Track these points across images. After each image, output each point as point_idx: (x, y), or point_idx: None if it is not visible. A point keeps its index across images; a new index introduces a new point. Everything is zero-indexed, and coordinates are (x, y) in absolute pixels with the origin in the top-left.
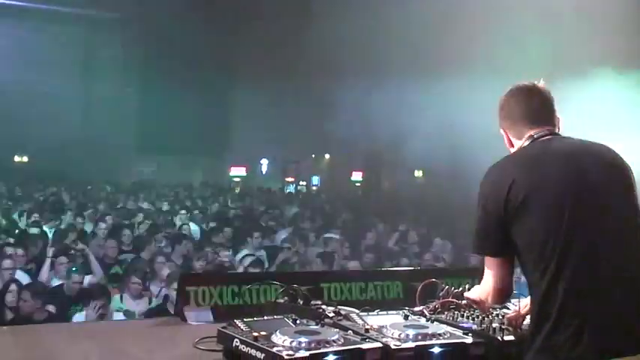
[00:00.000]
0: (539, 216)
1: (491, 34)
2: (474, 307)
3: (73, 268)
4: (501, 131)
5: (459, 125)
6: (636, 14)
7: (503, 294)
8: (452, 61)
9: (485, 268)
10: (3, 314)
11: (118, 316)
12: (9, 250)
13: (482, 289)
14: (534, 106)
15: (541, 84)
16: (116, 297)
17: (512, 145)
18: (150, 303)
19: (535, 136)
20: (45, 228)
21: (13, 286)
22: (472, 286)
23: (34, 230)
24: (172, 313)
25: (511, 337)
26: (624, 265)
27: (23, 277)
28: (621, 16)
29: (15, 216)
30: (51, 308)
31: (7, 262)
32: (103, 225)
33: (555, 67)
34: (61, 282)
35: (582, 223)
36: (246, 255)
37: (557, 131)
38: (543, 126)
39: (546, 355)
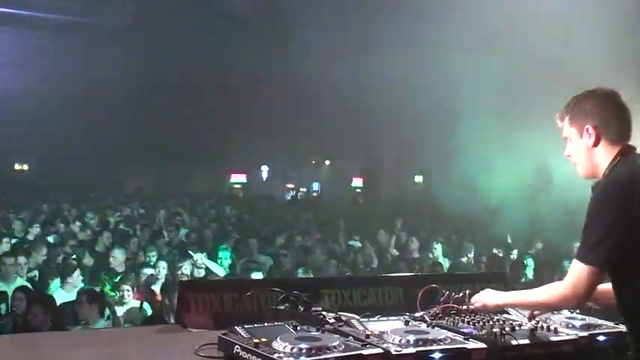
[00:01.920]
0: None
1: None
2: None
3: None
4: (586, 127)
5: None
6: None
7: (583, 302)
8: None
9: (577, 274)
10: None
11: None
12: (10, 259)
13: (557, 290)
14: (627, 115)
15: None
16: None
17: (595, 146)
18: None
19: (631, 148)
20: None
21: (19, 294)
22: (473, 292)
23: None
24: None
25: (513, 342)
26: None
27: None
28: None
29: (16, 224)
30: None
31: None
32: (106, 234)
33: None
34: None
35: None
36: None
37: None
38: (629, 138)
39: None
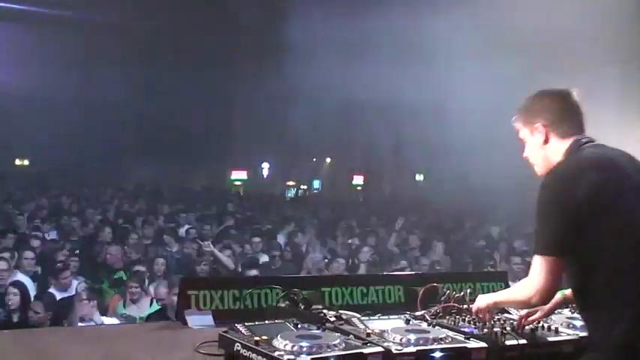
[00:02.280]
0: (616, 214)
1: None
2: (478, 316)
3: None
4: (535, 126)
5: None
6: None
7: (552, 294)
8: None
9: (538, 268)
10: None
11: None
12: (6, 254)
13: (526, 290)
14: (580, 110)
15: (575, 93)
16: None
17: (545, 143)
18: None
19: (582, 141)
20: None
21: (12, 289)
22: (474, 292)
23: (37, 233)
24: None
25: (513, 342)
26: None
27: (27, 281)
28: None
29: (18, 219)
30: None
31: (3, 265)
32: (107, 229)
33: None
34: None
35: None
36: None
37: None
38: (583, 132)
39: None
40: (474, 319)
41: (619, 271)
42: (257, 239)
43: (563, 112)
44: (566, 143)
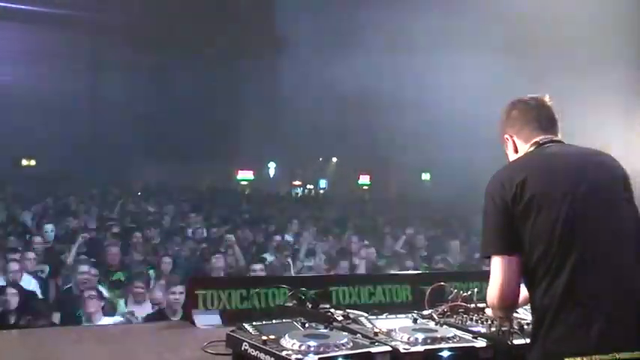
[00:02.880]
0: (545, 214)
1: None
2: (497, 320)
3: None
4: (505, 137)
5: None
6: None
7: (511, 295)
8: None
9: (492, 271)
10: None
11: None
12: (17, 255)
13: (489, 294)
14: (543, 114)
15: (546, 97)
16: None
17: (516, 152)
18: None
19: (540, 142)
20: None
21: (11, 290)
22: (481, 290)
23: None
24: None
25: (521, 341)
26: (625, 264)
27: (30, 282)
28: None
29: (25, 219)
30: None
31: (14, 266)
32: (114, 230)
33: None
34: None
35: (584, 220)
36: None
37: (557, 136)
38: (548, 133)
39: (547, 349)
40: (482, 318)
41: (535, 272)
42: (262, 239)
43: (524, 118)
44: (528, 147)
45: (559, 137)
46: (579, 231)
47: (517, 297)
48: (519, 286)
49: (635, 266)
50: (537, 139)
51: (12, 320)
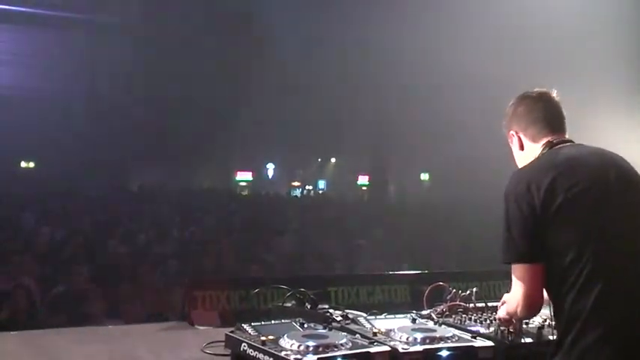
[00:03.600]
0: (576, 220)
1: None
2: (504, 325)
3: None
4: (511, 133)
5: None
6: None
7: (536, 305)
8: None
9: (515, 278)
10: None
11: None
12: (17, 257)
13: (511, 303)
14: (551, 112)
15: (554, 93)
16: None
17: (522, 149)
18: None
19: (554, 142)
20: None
21: (20, 291)
22: (480, 290)
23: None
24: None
25: (520, 341)
26: None
27: (32, 283)
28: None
29: (24, 221)
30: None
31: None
32: (110, 230)
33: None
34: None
35: (616, 227)
36: None
37: (568, 137)
38: (558, 133)
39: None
40: (481, 317)
41: (564, 280)
42: (262, 238)
43: (532, 116)
44: (538, 146)
45: (567, 136)
46: (612, 238)
47: (541, 306)
48: (543, 296)
49: None
50: (549, 138)
51: (12, 322)
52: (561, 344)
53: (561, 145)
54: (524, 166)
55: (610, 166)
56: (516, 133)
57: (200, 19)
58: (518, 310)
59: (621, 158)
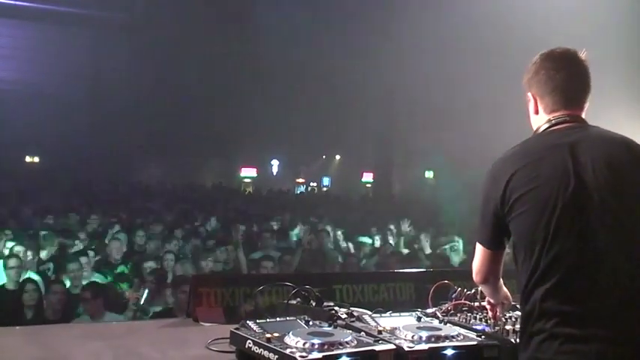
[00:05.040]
0: (531, 214)
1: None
2: (486, 311)
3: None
4: (528, 95)
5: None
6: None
7: (487, 282)
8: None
9: (476, 253)
10: (22, 314)
11: None
12: (20, 251)
13: (473, 269)
14: (571, 80)
15: (583, 54)
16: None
17: (537, 113)
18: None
19: (554, 121)
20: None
21: (29, 286)
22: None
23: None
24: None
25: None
26: (623, 272)
27: (37, 278)
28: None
29: (28, 216)
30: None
31: (13, 262)
32: (117, 227)
33: None
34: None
35: (572, 225)
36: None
37: (582, 114)
38: (572, 108)
39: (531, 355)
40: (486, 316)
41: (523, 275)
42: (267, 234)
43: (550, 84)
44: (545, 119)
45: (583, 113)
46: (565, 237)
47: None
48: (498, 278)
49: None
50: (554, 115)
51: (16, 317)
52: (522, 338)
53: (558, 127)
54: (505, 153)
55: (598, 158)
56: (533, 95)
57: (205, 16)
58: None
59: (631, 146)
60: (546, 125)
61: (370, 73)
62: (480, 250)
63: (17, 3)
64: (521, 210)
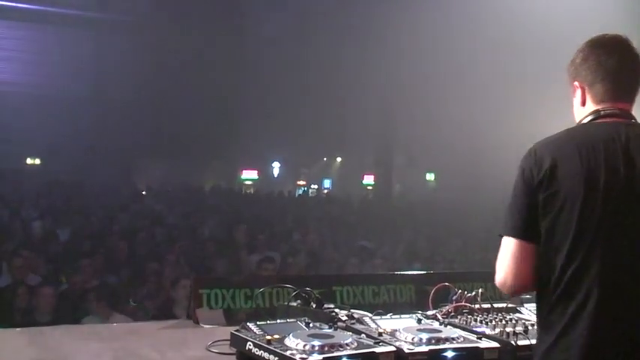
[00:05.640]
0: (570, 209)
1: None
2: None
3: None
4: (575, 84)
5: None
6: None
7: (518, 283)
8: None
9: (501, 248)
10: (11, 316)
11: None
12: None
13: (499, 273)
14: (624, 70)
15: (633, 43)
16: None
17: (583, 104)
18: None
19: (602, 112)
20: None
21: (22, 289)
22: (485, 291)
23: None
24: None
25: (526, 342)
26: None
27: (36, 281)
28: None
29: (30, 218)
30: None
31: (19, 261)
32: (115, 228)
33: None
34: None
35: (613, 226)
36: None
37: (631, 110)
38: (620, 100)
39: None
40: (486, 318)
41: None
42: (265, 236)
43: (601, 71)
44: (590, 110)
45: (632, 108)
46: (605, 236)
47: (525, 288)
48: (532, 278)
49: None
50: (603, 106)
51: (18, 318)
52: (544, 339)
53: (607, 120)
54: (547, 139)
55: (630, 159)
56: (581, 85)
57: (207, 18)
58: (503, 287)
59: None
60: (593, 116)
61: (371, 74)
62: (510, 244)
63: (21, 5)
64: (560, 206)
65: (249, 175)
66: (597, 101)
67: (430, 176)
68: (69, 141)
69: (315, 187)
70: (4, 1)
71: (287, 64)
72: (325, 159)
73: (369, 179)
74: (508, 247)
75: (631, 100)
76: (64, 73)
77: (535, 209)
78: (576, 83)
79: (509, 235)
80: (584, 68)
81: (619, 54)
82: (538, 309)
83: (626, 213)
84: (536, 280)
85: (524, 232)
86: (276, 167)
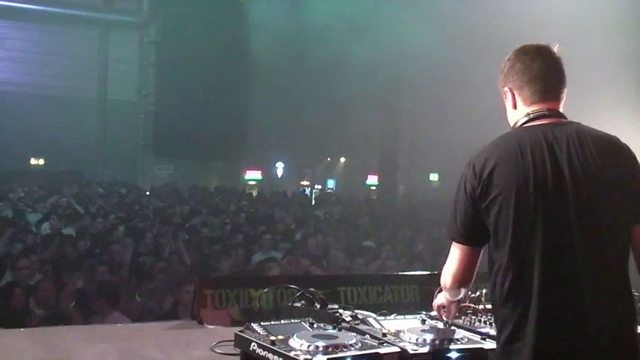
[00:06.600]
0: (507, 210)
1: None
2: (439, 312)
3: None
4: (505, 90)
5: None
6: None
7: (459, 285)
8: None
9: (450, 255)
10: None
11: None
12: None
13: (445, 273)
14: (548, 72)
15: (556, 48)
16: None
17: (515, 108)
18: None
19: (532, 115)
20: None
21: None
22: (489, 292)
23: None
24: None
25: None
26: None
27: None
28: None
29: (31, 219)
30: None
31: (24, 262)
32: (121, 228)
33: None
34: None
35: (549, 222)
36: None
37: (559, 108)
38: (550, 101)
39: (507, 348)
40: (490, 319)
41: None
42: (268, 236)
43: (528, 75)
44: (524, 112)
45: (561, 106)
46: (543, 234)
47: (466, 284)
48: (471, 276)
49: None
50: (532, 108)
51: (22, 319)
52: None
53: (537, 122)
54: (485, 145)
55: (576, 153)
56: (511, 90)
57: (212, 18)
58: (447, 282)
59: (611, 145)
60: (525, 119)
61: (374, 74)
62: (456, 248)
63: (25, 6)
64: (499, 209)
65: (252, 175)
66: (528, 103)
67: (434, 176)
68: (73, 141)
69: (319, 187)
70: (7, 2)
71: (291, 64)
72: (329, 159)
73: (372, 179)
74: (452, 250)
75: (558, 99)
76: (68, 73)
77: (476, 216)
78: (506, 89)
79: (450, 238)
80: (512, 74)
81: (542, 58)
82: (493, 304)
83: (557, 209)
84: (474, 280)
85: (462, 236)
86: (279, 167)
